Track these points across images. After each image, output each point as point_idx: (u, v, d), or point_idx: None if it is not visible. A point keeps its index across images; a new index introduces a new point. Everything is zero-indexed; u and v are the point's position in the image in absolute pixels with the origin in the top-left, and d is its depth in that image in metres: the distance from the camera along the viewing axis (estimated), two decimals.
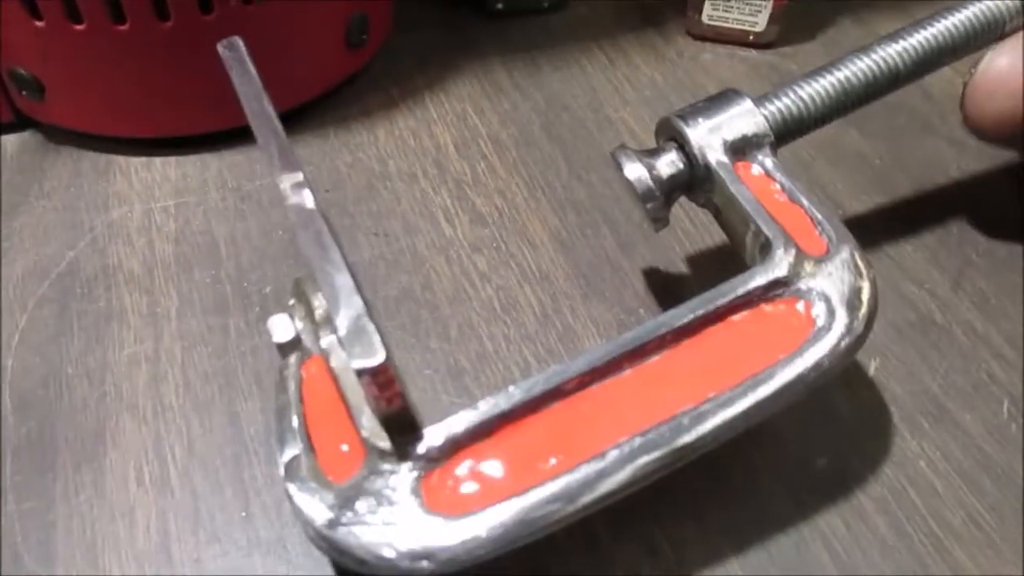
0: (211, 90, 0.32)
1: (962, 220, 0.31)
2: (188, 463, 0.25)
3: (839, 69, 0.27)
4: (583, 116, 0.36)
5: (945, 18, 0.27)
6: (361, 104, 0.36)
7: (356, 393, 0.21)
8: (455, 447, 0.20)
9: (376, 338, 0.18)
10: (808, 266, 0.23)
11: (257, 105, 0.23)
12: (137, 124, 0.33)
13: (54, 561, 0.23)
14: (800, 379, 0.21)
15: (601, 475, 0.20)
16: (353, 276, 0.19)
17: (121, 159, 0.34)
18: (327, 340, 0.22)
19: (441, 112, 0.36)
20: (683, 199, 0.27)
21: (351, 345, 0.18)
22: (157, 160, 0.34)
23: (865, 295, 0.23)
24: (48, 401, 0.26)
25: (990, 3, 0.27)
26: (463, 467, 0.20)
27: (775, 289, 0.23)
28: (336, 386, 0.22)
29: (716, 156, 0.25)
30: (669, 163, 0.26)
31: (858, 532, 0.24)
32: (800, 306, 0.23)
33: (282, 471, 0.21)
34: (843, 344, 0.22)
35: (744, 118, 0.26)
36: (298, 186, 0.21)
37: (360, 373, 0.18)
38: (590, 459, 0.20)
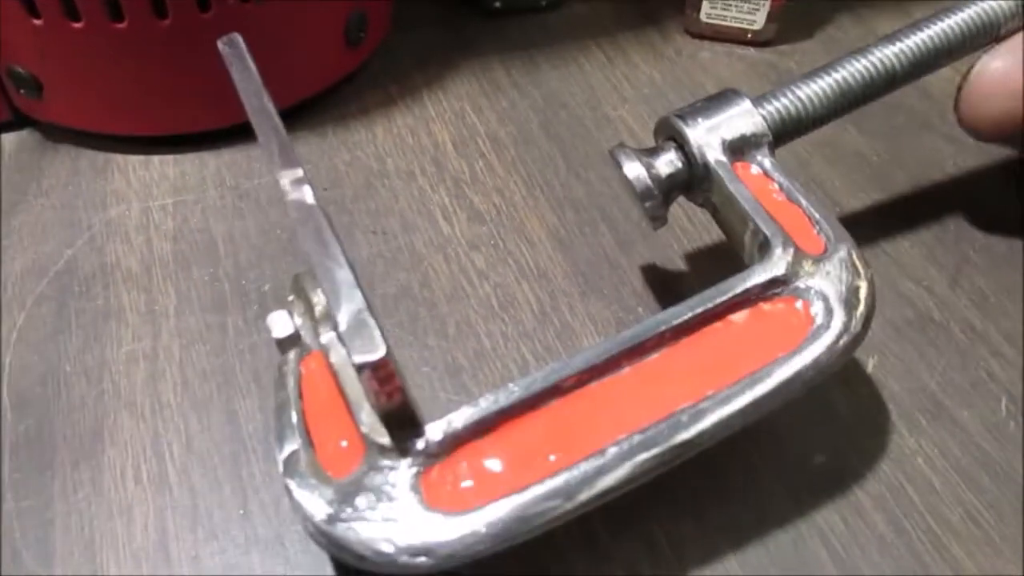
0: (209, 88, 0.32)
1: (960, 218, 0.31)
2: (186, 461, 0.25)
3: (837, 70, 0.27)
4: (581, 114, 0.36)
5: (942, 20, 0.27)
6: (360, 102, 0.36)
7: (356, 389, 0.21)
8: (455, 443, 0.20)
9: (377, 332, 0.18)
10: (806, 265, 0.23)
11: (257, 101, 0.23)
12: (135, 122, 0.33)
13: (52, 559, 0.23)
14: (798, 377, 0.21)
15: (600, 472, 0.20)
16: (353, 272, 0.19)
17: (119, 157, 0.34)
18: (326, 336, 0.22)
19: (439, 110, 0.36)
20: (681, 198, 0.27)
21: (352, 339, 0.18)
22: (155, 158, 0.34)
23: (863, 294, 0.23)
24: (46, 399, 0.26)
25: (986, 5, 0.27)
26: (463, 463, 0.20)
27: (774, 288, 0.23)
28: (335, 382, 0.22)
29: (715, 155, 0.25)
30: (668, 162, 0.26)
31: (856, 529, 0.24)
32: (798, 305, 0.23)
33: (281, 467, 0.21)
34: (841, 342, 0.22)
35: (743, 118, 0.26)
36: (298, 182, 0.21)
37: (361, 368, 0.18)
38: (589, 456, 0.20)
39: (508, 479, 0.20)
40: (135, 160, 0.34)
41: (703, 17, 0.39)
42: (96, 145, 0.34)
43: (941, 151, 0.34)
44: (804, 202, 0.25)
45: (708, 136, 0.25)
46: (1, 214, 0.31)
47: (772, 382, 0.21)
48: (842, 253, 0.23)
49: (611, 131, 0.35)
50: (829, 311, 0.22)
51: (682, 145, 0.26)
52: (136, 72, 0.31)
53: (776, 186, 0.25)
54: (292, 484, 0.20)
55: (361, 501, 0.20)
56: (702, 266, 0.30)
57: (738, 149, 0.25)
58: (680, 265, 0.30)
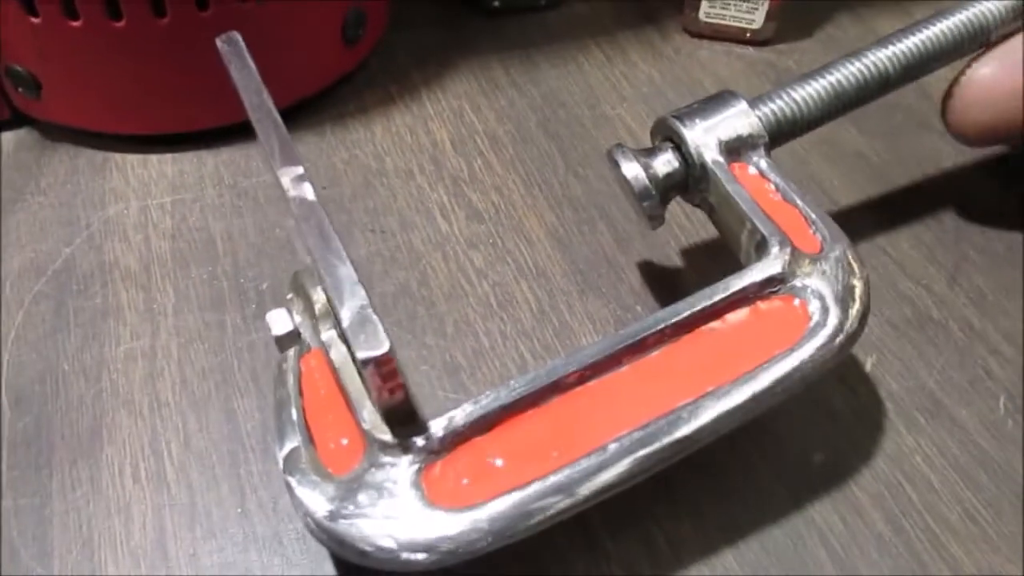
0: (208, 87, 0.32)
1: (959, 217, 0.31)
2: (184, 459, 0.25)
3: (831, 73, 0.27)
4: (580, 113, 0.36)
5: (935, 24, 0.27)
6: (358, 101, 0.36)
7: (357, 386, 0.21)
8: (456, 440, 0.20)
9: (380, 328, 0.18)
10: (803, 264, 0.23)
11: (257, 99, 0.23)
12: (134, 121, 0.33)
13: (50, 557, 0.23)
14: (796, 374, 0.22)
15: (601, 468, 0.20)
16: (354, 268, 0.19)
17: (118, 156, 0.34)
18: (327, 334, 0.22)
19: (438, 109, 0.36)
20: (679, 198, 0.27)
21: (355, 335, 0.18)
22: (154, 157, 0.34)
23: (859, 292, 0.23)
24: (44, 397, 0.26)
25: (978, 10, 0.27)
26: (464, 460, 0.20)
27: (771, 286, 0.23)
28: (336, 379, 0.22)
29: (712, 156, 0.25)
30: (665, 162, 0.26)
31: (855, 528, 0.24)
32: (796, 303, 0.23)
33: (281, 464, 0.21)
34: (838, 340, 0.22)
35: (739, 119, 0.26)
36: (299, 179, 0.21)
37: (364, 363, 0.18)
38: (591, 452, 0.20)
39: (510, 475, 0.20)
40: (133, 159, 0.34)
41: (702, 16, 0.39)
42: (94, 144, 0.34)
43: (940, 150, 0.34)
44: (800, 202, 0.25)
45: (705, 137, 0.26)
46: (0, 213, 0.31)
47: (770, 379, 0.21)
48: (838, 252, 0.23)
49: (610, 130, 0.35)
50: (826, 309, 0.22)
51: (679, 146, 0.26)
52: (135, 71, 0.31)
53: (772, 186, 0.25)
54: (293, 481, 0.20)
55: (363, 498, 0.20)
56: (700, 264, 0.30)
57: (735, 150, 0.26)
58: (678, 263, 0.30)
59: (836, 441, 0.25)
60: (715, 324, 0.23)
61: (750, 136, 0.26)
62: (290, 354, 0.23)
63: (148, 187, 0.32)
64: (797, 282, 0.23)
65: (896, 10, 0.40)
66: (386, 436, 0.20)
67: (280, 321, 0.23)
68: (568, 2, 0.41)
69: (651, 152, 0.26)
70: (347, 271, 0.19)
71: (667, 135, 0.27)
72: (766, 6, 0.37)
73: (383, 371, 0.19)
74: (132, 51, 0.31)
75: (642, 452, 0.20)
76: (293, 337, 0.23)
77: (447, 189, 0.33)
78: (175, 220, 0.31)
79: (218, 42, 0.24)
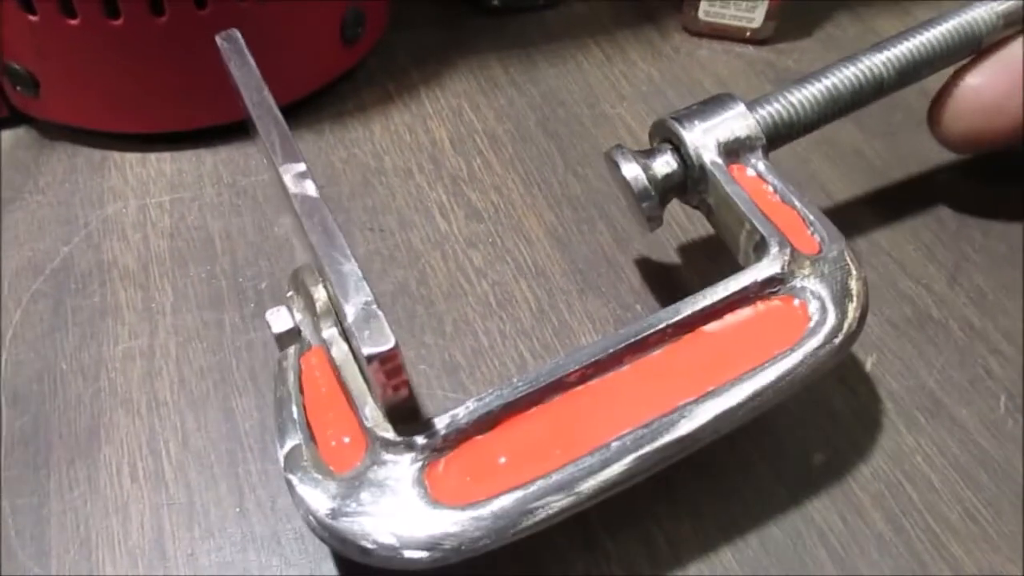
0: (206, 85, 0.32)
1: (959, 216, 0.31)
2: (182, 459, 0.25)
3: (828, 76, 0.27)
4: (579, 112, 0.36)
5: (928, 30, 0.28)
6: (357, 100, 0.36)
7: (358, 384, 0.21)
8: (459, 437, 0.20)
9: (386, 324, 0.18)
10: (802, 264, 0.23)
11: (257, 96, 0.23)
12: (132, 119, 0.33)
13: (48, 557, 0.23)
14: (797, 373, 0.22)
15: (604, 466, 0.20)
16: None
17: (116, 154, 0.34)
18: (328, 332, 0.22)
19: (437, 108, 0.36)
20: (676, 200, 0.27)
21: (361, 331, 0.18)
22: (152, 155, 0.33)
23: (857, 292, 0.23)
24: (42, 396, 0.26)
25: (969, 18, 0.28)
26: (467, 457, 0.20)
27: (771, 286, 0.23)
28: (337, 377, 0.22)
29: (711, 157, 0.26)
30: (664, 163, 0.26)
31: (855, 528, 0.24)
32: (795, 303, 0.23)
33: (282, 462, 0.21)
34: (837, 340, 0.22)
35: (737, 121, 0.26)
36: (301, 176, 0.21)
37: (370, 359, 0.18)
38: (593, 450, 0.20)
39: (512, 473, 0.20)
40: (132, 157, 0.33)
41: (701, 15, 0.39)
42: (93, 142, 0.34)
43: (940, 149, 0.34)
44: (798, 203, 0.25)
45: (704, 138, 0.26)
46: None
47: (771, 378, 0.21)
48: (836, 253, 0.24)
49: (609, 129, 0.35)
50: (825, 309, 0.23)
51: (678, 147, 0.26)
52: (133, 69, 0.31)
53: (770, 188, 0.25)
54: (294, 479, 0.20)
55: (365, 495, 0.20)
56: (699, 264, 0.30)
57: (733, 151, 0.26)
58: (677, 263, 0.30)
59: (836, 441, 0.25)
60: (715, 324, 0.23)
61: (748, 138, 0.26)
62: (290, 352, 0.23)
63: (147, 186, 0.32)
64: (796, 282, 0.23)
65: (895, 9, 0.40)
66: (388, 434, 0.20)
67: (280, 319, 0.23)
68: (567, 1, 0.41)
69: (650, 153, 0.26)
70: (351, 267, 0.19)
71: (666, 136, 0.27)
72: (765, 5, 0.37)
73: (388, 367, 0.19)
74: (130, 49, 0.30)
75: (644, 450, 0.20)
76: (293, 335, 0.23)
77: (446, 188, 0.33)
78: (174, 219, 0.31)
79: (218, 39, 0.24)
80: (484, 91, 0.37)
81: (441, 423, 0.20)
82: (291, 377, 0.22)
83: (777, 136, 0.27)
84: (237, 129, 0.33)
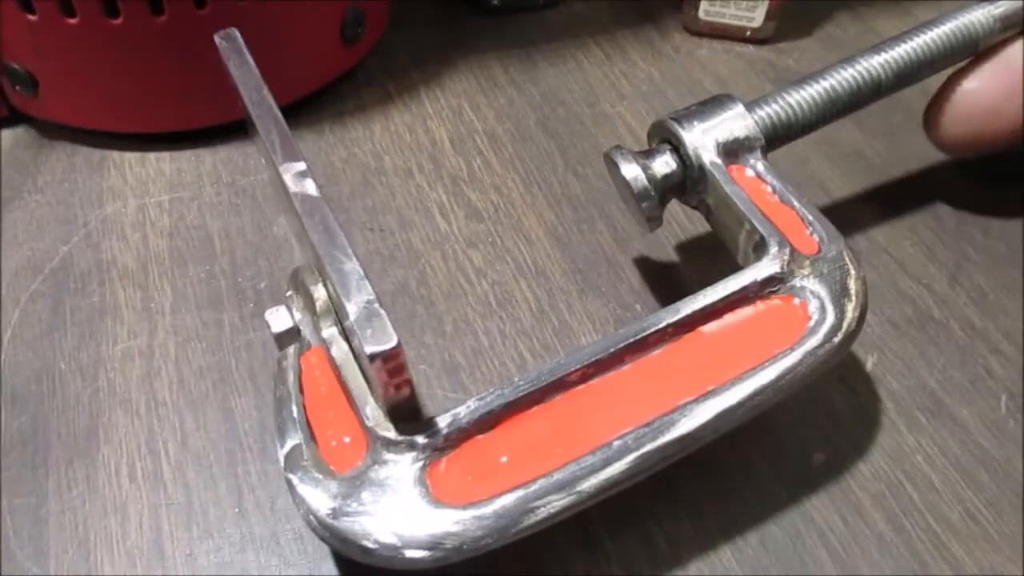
0: (206, 85, 0.32)
1: (959, 216, 0.31)
2: (181, 459, 0.25)
3: (826, 78, 0.27)
4: (579, 111, 0.36)
5: (926, 33, 0.28)
6: (357, 100, 0.36)
7: (359, 383, 0.21)
8: (460, 436, 0.20)
9: (388, 323, 0.18)
10: (802, 264, 0.23)
11: (257, 95, 0.23)
12: (131, 119, 0.33)
13: (46, 557, 0.23)
14: (797, 372, 0.22)
15: (605, 465, 0.20)
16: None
17: (115, 154, 0.33)
18: (328, 331, 0.22)
19: (437, 107, 0.36)
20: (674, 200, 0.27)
21: (363, 329, 0.18)
22: (151, 155, 0.33)
23: (856, 292, 0.23)
24: (41, 396, 0.26)
25: (967, 20, 0.28)
26: (468, 456, 0.20)
27: (771, 286, 0.23)
28: (337, 376, 0.22)
29: (710, 157, 0.26)
30: (664, 163, 0.26)
31: (856, 528, 0.23)
32: (795, 302, 0.23)
33: (282, 462, 0.21)
34: (837, 339, 0.22)
35: (736, 121, 0.26)
36: (301, 175, 0.21)
37: (372, 357, 0.18)
38: (595, 449, 0.20)
39: (514, 472, 0.20)
40: (131, 157, 0.33)
41: (702, 15, 0.39)
42: (92, 142, 0.34)
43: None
44: (797, 204, 0.25)
45: (703, 139, 0.26)
46: None
47: (771, 377, 0.21)
48: (835, 252, 0.24)
49: (609, 128, 0.35)
50: (824, 308, 0.23)
51: (677, 147, 0.26)
52: (132, 69, 0.31)
53: (769, 188, 0.26)
54: (295, 479, 0.20)
55: (366, 495, 0.20)
56: (699, 264, 0.30)
57: (732, 152, 0.26)
58: (677, 262, 0.30)
59: (836, 441, 0.25)
60: (716, 323, 0.23)
61: (747, 139, 0.26)
62: (290, 351, 0.23)
63: (146, 185, 0.32)
64: (796, 282, 0.23)
65: (895, 9, 0.40)
66: (390, 433, 0.20)
67: (279, 318, 0.23)
68: (567, 1, 0.41)
69: (649, 154, 0.27)
70: (353, 266, 0.19)
71: (664, 137, 0.27)
72: (766, 5, 0.37)
73: (390, 366, 0.18)
74: (129, 49, 0.30)
75: (645, 449, 0.20)
76: (292, 334, 0.23)
77: (446, 188, 0.32)
78: (173, 218, 0.31)
79: (216, 38, 0.24)
80: (484, 91, 0.37)
81: (442, 422, 0.20)
82: (291, 377, 0.22)
83: (776, 137, 0.27)
84: (236, 129, 0.33)
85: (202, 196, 0.32)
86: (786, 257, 0.23)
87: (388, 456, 0.20)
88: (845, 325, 0.22)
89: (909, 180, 0.33)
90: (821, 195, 0.32)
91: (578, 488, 0.20)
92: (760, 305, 0.23)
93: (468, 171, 0.33)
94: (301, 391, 0.22)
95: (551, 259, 0.30)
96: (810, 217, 0.25)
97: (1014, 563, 0.23)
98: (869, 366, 0.27)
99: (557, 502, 0.20)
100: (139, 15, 0.29)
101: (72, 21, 0.29)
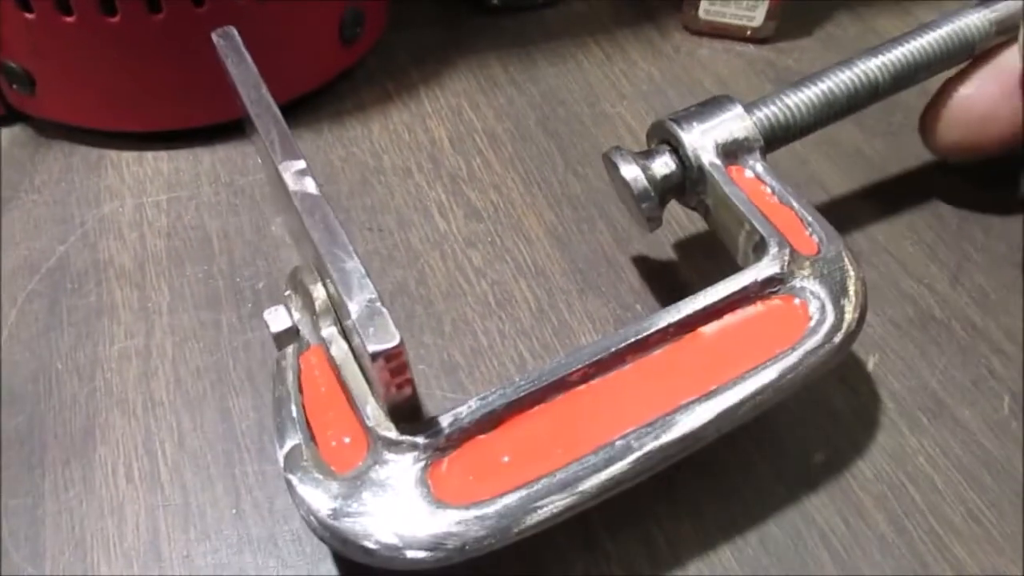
0: (204, 84, 0.32)
1: (960, 215, 0.31)
2: (179, 459, 0.25)
3: (823, 80, 0.27)
4: (579, 111, 0.36)
5: (921, 36, 0.28)
6: (356, 99, 0.36)
7: (359, 383, 0.21)
8: (462, 436, 0.20)
9: (390, 321, 0.18)
10: (801, 264, 0.23)
11: (255, 93, 0.23)
12: (129, 118, 0.33)
13: (42, 558, 0.23)
14: (798, 372, 0.22)
15: (607, 464, 0.20)
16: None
17: (112, 153, 0.33)
18: (327, 330, 0.22)
19: (436, 107, 0.36)
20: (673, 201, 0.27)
21: (366, 328, 0.18)
22: (149, 154, 0.33)
23: (856, 292, 0.23)
24: (37, 396, 0.26)
25: (963, 24, 0.28)
26: (470, 456, 0.20)
27: (771, 286, 0.23)
28: (337, 376, 0.21)
29: (709, 158, 0.26)
30: (663, 164, 0.26)
31: (857, 529, 0.23)
32: (796, 302, 0.23)
33: (282, 462, 0.20)
34: (837, 338, 0.22)
35: (735, 122, 0.26)
36: (301, 173, 0.21)
37: (375, 356, 0.18)
38: (596, 449, 0.20)
39: (516, 472, 0.20)
40: (129, 156, 0.33)
41: (702, 14, 0.38)
42: (89, 141, 0.34)
43: None
44: (796, 204, 0.25)
45: (702, 139, 0.26)
46: None
47: (772, 377, 0.21)
48: (834, 253, 0.24)
49: (609, 128, 0.35)
50: (824, 309, 0.23)
51: (676, 148, 0.26)
52: (129, 67, 0.31)
53: (768, 189, 0.26)
54: (294, 479, 0.20)
55: (367, 495, 0.19)
56: (699, 264, 0.30)
57: (732, 153, 0.26)
58: (677, 262, 0.30)
59: (837, 441, 0.25)
60: (716, 323, 0.23)
61: (746, 140, 0.26)
62: (288, 351, 0.22)
63: (143, 185, 0.32)
64: (796, 282, 0.23)
65: (895, 9, 0.40)
66: (391, 433, 0.20)
67: (278, 318, 0.23)
68: (566, 0, 0.41)
69: (648, 154, 0.27)
70: (354, 265, 0.19)
71: (664, 138, 0.27)
72: (766, 4, 0.37)
73: (393, 365, 0.18)
74: (127, 47, 0.30)
75: (646, 449, 0.20)
76: (291, 334, 0.23)
77: (445, 187, 0.32)
78: (170, 218, 0.31)
79: (214, 36, 0.24)
80: (483, 90, 0.36)
81: (444, 422, 0.20)
82: (290, 376, 0.22)
83: (774, 138, 0.27)
84: (234, 128, 0.33)
85: (200, 196, 0.32)
86: (786, 257, 0.23)
87: (389, 456, 0.20)
88: (845, 325, 0.22)
89: (910, 180, 0.33)
90: (822, 195, 0.32)
91: (580, 488, 0.20)
92: (760, 305, 0.23)
93: (467, 170, 0.33)
94: (300, 391, 0.22)
95: (551, 259, 0.30)
96: (809, 218, 0.25)
97: (1016, 564, 0.23)
98: (870, 366, 0.27)
99: (559, 502, 0.20)
100: (136, 13, 0.29)
101: (69, 19, 0.29)
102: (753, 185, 0.25)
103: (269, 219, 0.31)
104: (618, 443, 0.20)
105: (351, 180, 0.32)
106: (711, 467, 0.24)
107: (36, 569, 0.22)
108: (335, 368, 0.22)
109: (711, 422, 0.21)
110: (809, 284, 0.23)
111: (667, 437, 0.20)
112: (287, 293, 0.23)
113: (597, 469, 0.20)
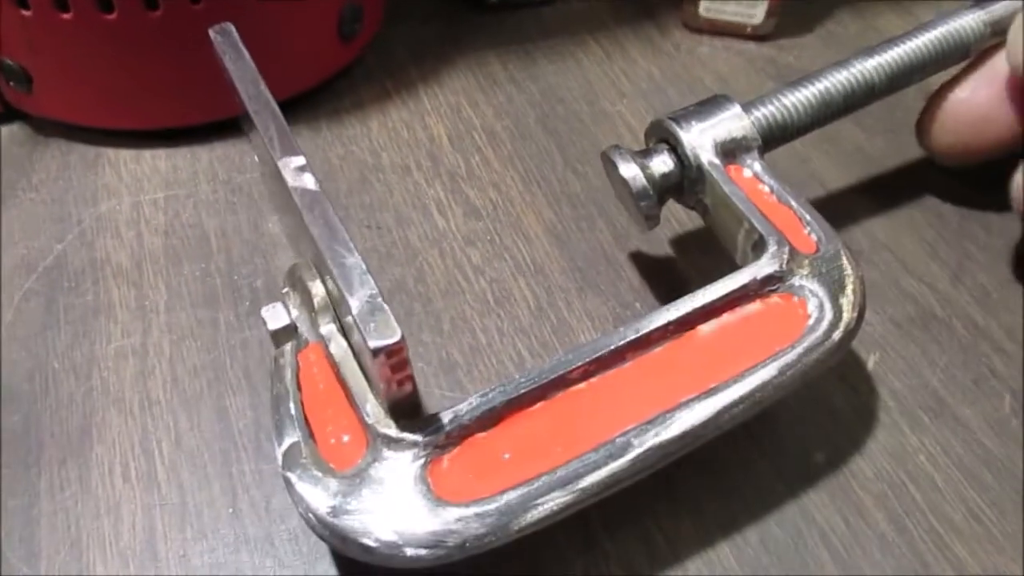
0: (201, 81, 0.31)
1: (961, 213, 0.31)
2: (175, 458, 0.24)
3: (820, 80, 0.27)
4: (579, 109, 0.35)
5: (917, 37, 0.28)
6: (354, 96, 0.36)
7: (359, 380, 0.21)
8: (462, 434, 0.20)
9: (391, 317, 0.18)
10: (800, 263, 0.23)
11: (254, 89, 0.23)
12: (126, 116, 0.33)
13: (38, 558, 0.22)
14: (798, 370, 0.22)
15: (608, 462, 0.20)
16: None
17: (110, 151, 0.33)
18: (326, 328, 0.22)
19: (435, 104, 0.36)
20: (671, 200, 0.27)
21: (367, 324, 0.18)
22: (146, 152, 0.33)
23: (854, 290, 0.23)
24: (34, 395, 0.26)
25: (958, 26, 0.28)
26: (470, 454, 0.20)
27: (770, 284, 0.23)
28: (336, 374, 0.21)
29: (708, 157, 0.26)
30: (662, 163, 0.26)
31: (857, 528, 0.23)
32: (795, 300, 0.23)
33: (280, 460, 0.20)
34: (836, 337, 0.22)
35: (734, 122, 0.26)
36: (300, 169, 0.21)
37: (376, 352, 0.18)
38: (596, 446, 0.20)
39: (516, 469, 0.20)
40: (126, 154, 0.33)
41: (702, 12, 0.38)
42: (87, 139, 0.33)
43: None
44: (795, 203, 0.25)
45: (701, 138, 0.26)
46: None
47: (772, 374, 0.21)
48: (833, 252, 0.24)
49: (609, 126, 0.35)
50: (823, 307, 0.23)
51: (675, 147, 0.26)
52: (127, 65, 0.31)
53: (767, 188, 0.26)
54: (293, 477, 0.20)
55: (366, 493, 0.19)
56: (698, 262, 0.30)
57: (730, 152, 0.26)
58: (677, 261, 0.30)
59: (837, 440, 0.25)
60: (715, 321, 0.23)
61: (745, 139, 0.26)
62: (287, 349, 0.22)
63: (141, 183, 0.32)
64: (795, 281, 0.23)
65: (896, 7, 0.40)
66: (391, 430, 0.20)
67: (276, 315, 0.22)
68: None
69: (647, 153, 0.27)
70: (355, 261, 0.19)
71: (662, 137, 0.27)
72: (766, 2, 0.37)
73: (394, 361, 0.18)
74: (124, 45, 0.30)
75: (647, 446, 0.20)
76: (289, 332, 0.22)
77: (444, 185, 0.32)
78: (168, 216, 0.31)
79: (211, 33, 0.24)
80: (483, 88, 0.36)
81: (444, 419, 0.20)
82: (288, 374, 0.22)
83: (772, 138, 0.27)
84: (232, 126, 0.32)
85: (198, 194, 0.32)
86: (785, 256, 0.23)
87: (389, 453, 0.20)
88: (843, 323, 0.22)
89: (910, 178, 0.33)
90: (822, 193, 0.32)
91: (581, 485, 0.20)
92: (759, 303, 0.23)
93: (466, 168, 0.33)
94: (299, 388, 0.22)
95: (550, 257, 0.30)
96: (808, 217, 0.25)
97: (1017, 563, 0.23)
98: (871, 365, 0.27)
99: (560, 499, 0.19)
100: (133, 10, 0.29)
101: (66, 16, 0.29)
102: (751, 184, 0.26)
103: (267, 217, 0.31)
104: (618, 440, 0.20)
105: (350, 178, 0.32)
106: (711, 465, 0.24)
107: (31, 569, 0.22)
108: (334, 365, 0.21)
109: (711, 420, 0.21)
110: (808, 282, 0.23)
111: (667, 435, 0.20)
112: (285, 290, 0.23)
113: (597, 466, 0.20)
